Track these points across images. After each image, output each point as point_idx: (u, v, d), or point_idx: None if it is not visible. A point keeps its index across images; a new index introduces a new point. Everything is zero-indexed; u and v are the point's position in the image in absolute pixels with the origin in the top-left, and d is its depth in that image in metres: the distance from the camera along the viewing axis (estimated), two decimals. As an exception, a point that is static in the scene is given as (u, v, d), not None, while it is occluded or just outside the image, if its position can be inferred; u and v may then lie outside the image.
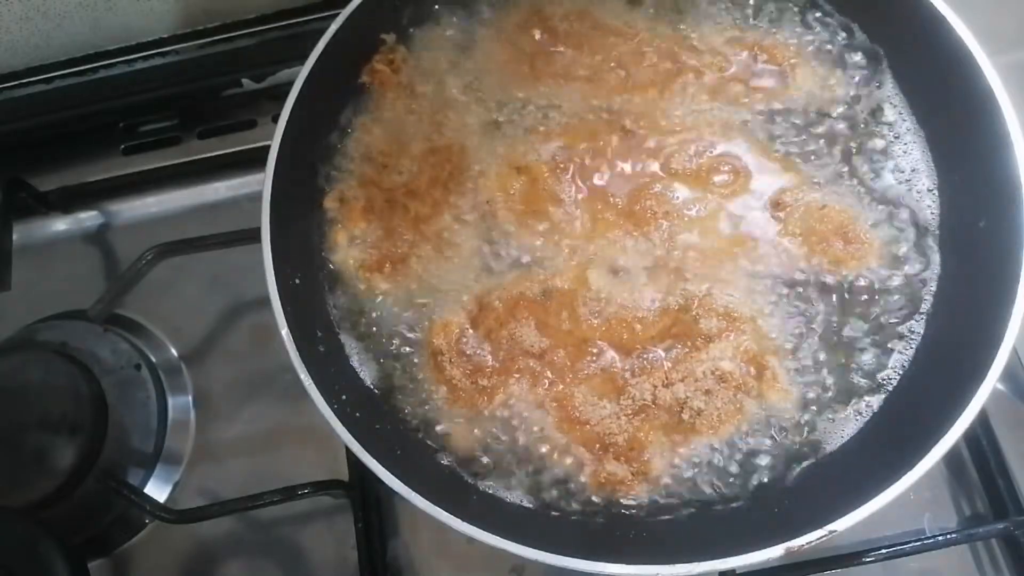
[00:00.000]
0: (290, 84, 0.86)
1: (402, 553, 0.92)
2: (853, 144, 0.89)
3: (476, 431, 0.82)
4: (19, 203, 1.08)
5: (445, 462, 0.81)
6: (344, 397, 0.78)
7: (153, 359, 1.02)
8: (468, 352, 0.83)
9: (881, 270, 0.84)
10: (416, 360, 0.85)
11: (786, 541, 0.67)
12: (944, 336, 0.81)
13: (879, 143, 0.88)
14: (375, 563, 0.89)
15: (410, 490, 0.70)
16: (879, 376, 0.81)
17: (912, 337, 0.82)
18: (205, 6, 1.12)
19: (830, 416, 0.81)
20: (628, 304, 0.83)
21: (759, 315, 0.83)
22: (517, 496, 0.80)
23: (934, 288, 0.83)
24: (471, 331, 0.84)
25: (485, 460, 0.81)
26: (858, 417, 0.81)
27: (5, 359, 0.95)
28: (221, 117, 1.15)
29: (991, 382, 0.70)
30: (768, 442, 0.80)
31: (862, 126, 0.89)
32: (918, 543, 0.84)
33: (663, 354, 0.82)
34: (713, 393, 0.80)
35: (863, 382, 0.81)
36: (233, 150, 1.12)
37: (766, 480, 0.79)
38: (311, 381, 0.75)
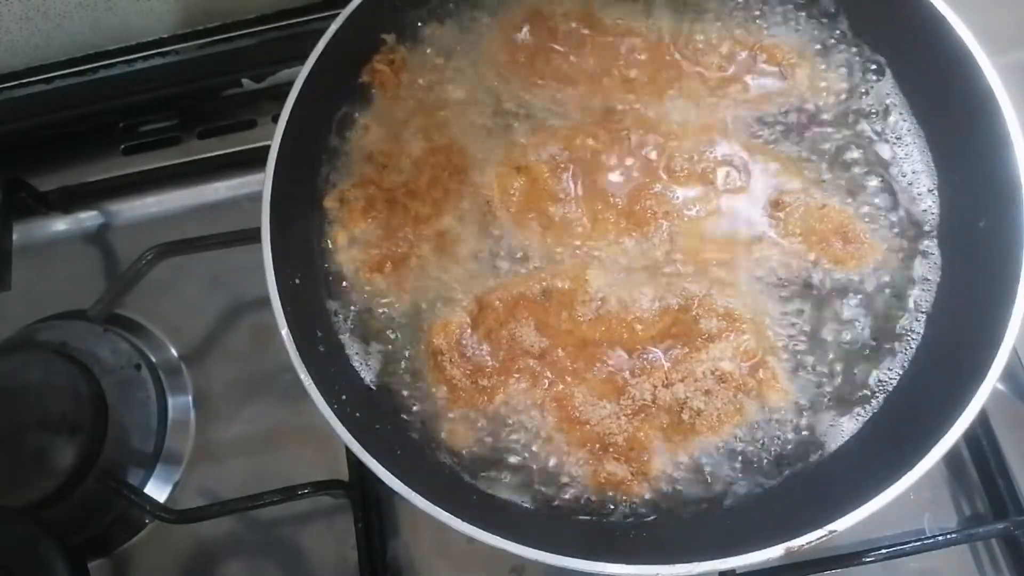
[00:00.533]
0: (290, 84, 0.85)
1: (402, 553, 0.92)
2: (853, 144, 0.89)
3: (476, 431, 0.82)
4: (19, 203, 1.08)
5: (445, 462, 0.82)
6: (344, 397, 0.78)
7: (153, 359, 1.02)
8: (468, 352, 0.83)
9: (881, 270, 0.84)
10: (416, 360, 0.85)
11: (786, 541, 0.67)
12: (944, 336, 0.81)
13: (879, 143, 0.88)
14: (375, 563, 0.89)
15: (410, 490, 0.70)
16: (879, 376, 0.81)
17: (912, 337, 0.82)
18: (205, 6, 1.12)
19: (830, 416, 0.81)
20: (628, 304, 0.83)
21: (759, 315, 0.83)
22: (517, 496, 0.80)
23: (934, 288, 0.83)
24: (471, 331, 0.84)
25: (485, 460, 0.81)
26: (858, 417, 0.81)
27: (5, 359, 0.95)
28: (221, 117, 1.15)
29: (991, 382, 0.70)
30: (768, 442, 0.80)
31: (862, 126, 0.89)
32: (918, 543, 0.84)
33: (663, 354, 0.82)
34: (713, 393, 0.80)
35: (863, 382, 0.81)
36: (233, 150, 1.12)
37: (766, 480, 0.79)
38: (311, 381, 0.75)
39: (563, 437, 0.80)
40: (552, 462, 0.80)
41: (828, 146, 0.89)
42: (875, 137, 0.89)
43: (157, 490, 0.96)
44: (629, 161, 0.89)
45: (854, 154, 0.88)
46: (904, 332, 0.82)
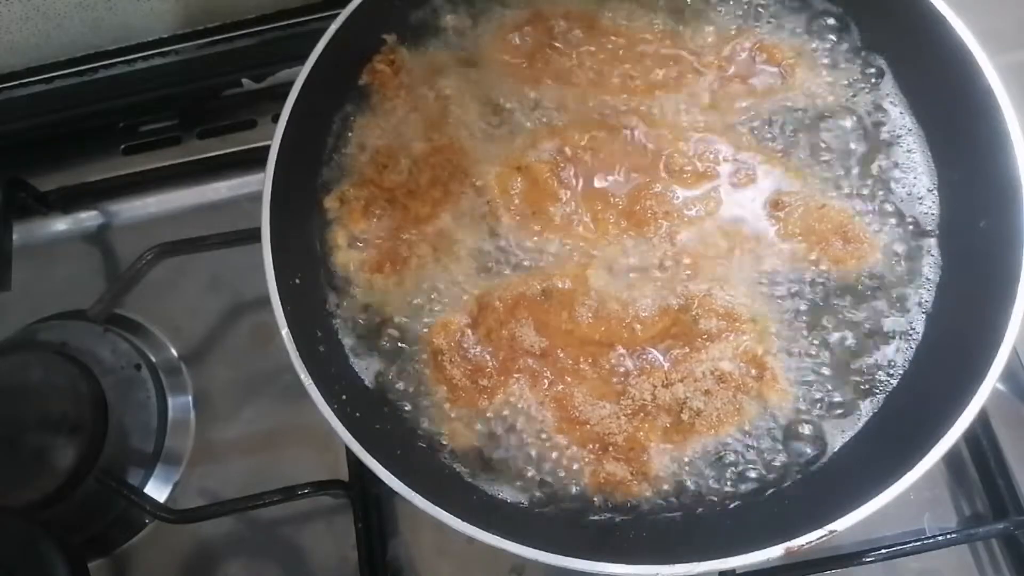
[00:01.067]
0: (290, 84, 0.85)
1: (402, 553, 0.92)
2: (852, 144, 0.89)
3: (476, 431, 0.82)
4: (19, 203, 1.08)
5: (446, 462, 0.81)
6: (344, 397, 0.78)
7: (153, 359, 1.02)
8: (468, 352, 0.83)
9: (881, 270, 0.84)
10: (416, 360, 0.85)
11: (786, 541, 0.67)
12: (944, 336, 0.81)
13: (879, 143, 0.88)
14: (375, 563, 0.89)
15: (410, 490, 0.70)
16: (879, 376, 0.81)
17: (912, 337, 0.82)
18: (205, 6, 1.12)
19: (830, 417, 0.81)
20: (628, 304, 0.83)
21: (759, 315, 0.83)
22: (517, 496, 0.80)
23: (934, 288, 0.83)
24: (471, 331, 0.84)
25: (485, 459, 0.81)
26: (858, 417, 0.81)
27: (5, 359, 0.95)
28: (221, 117, 1.15)
29: (991, 382, 0.70)
30: (768, 442, 0.80)
31: (862, 126, 0.89)
32: (918, 543, 0.84)
33: (662, 354, 0.82)
34: (713, 393, 0.80)
35: (863, 382, 0.81)
36: (233, 150, 1.12)
37: (766, 480, 0.79)
38: (311, 381, 0.75)
39: (563, 437, 0.80)
40: (552, 462, 0.80)
41: (827, 146, 0.89)
42: (875, 137, 0.89)
43: (157, 490, 0.96)
44: (629, 161, 0.89)
45: (854, 154, 0.88)
46: (904, 332, 0.82)
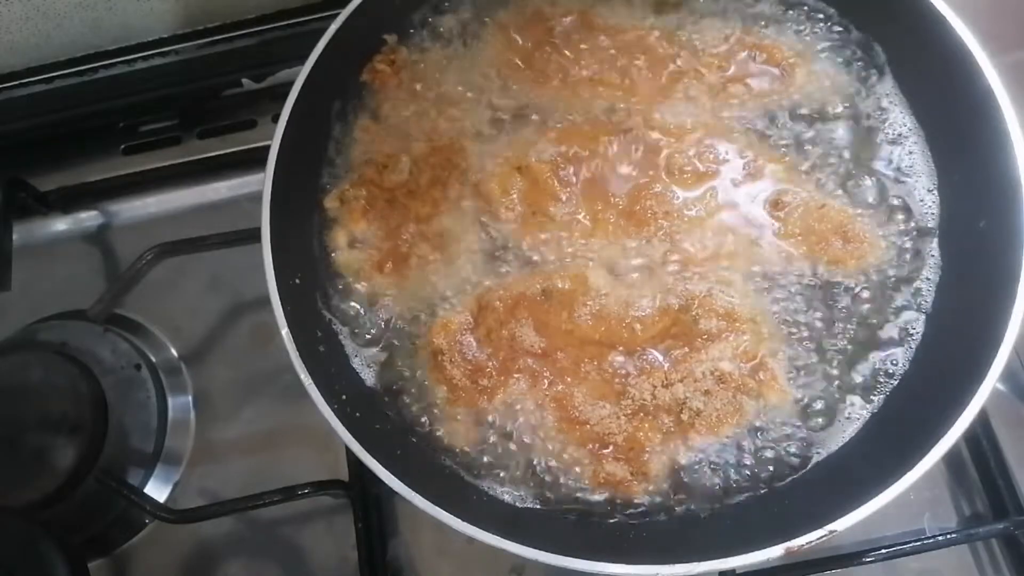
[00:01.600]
0: (290, 84, 0.85)
1: (402, 553, 0.92)
2: (853, 144, 0.89)
3: (476, 430, 0.82)
4: (19, 203, 1.08)
5: (445, 462, 0.81)
6: (344, 397, 0.78)
7: (153, 359, 1.02)
8: (468, 352, 0.83)
9: (881, 270, 0.84)
10: (416, 360, 0.85)
11: (786, 541, 0.67)
12: (944, 336, 0.80)
13: (879, 143, 0.88)
14: (375, 563, 0.89)
15: (410, 490, 0.70)
16: (879, 376, 0.81)
17: (912, 337, 0.82)
18: (205, 6, 1.12)
19: (830, 416, 0.81)
20: (628, 304, 0.83)
21: (759, 315, 0.83)
22: (517, 496, 0.80)
23: (934, 288, 0.83)
24: (472, 331, 0.84)
25: (485, 459, 0.81)
26: (858, 417, 0.81)
27: (5, 359, 0.95)
28: (221, 117, 1.15)
29: (991, 382, 0.70)
30: (768, 442, 0.80)
31: (862, 126, 0.89)
32: (918, 543, 0.84)
33: (662, 354, 0.82)
34: (712, 394, 0.80)
35: (863, 382, 0.81)
36: (233, 150, 1.12)
37: (765, 480, 0.79)
38: (311, 381, 0.75)
39: (563, 437, 0.80)
40: (552, 462, 0.80)
41: (827, 146, 0.89)
42: (875, 137, 0.89)
43: (157, 490, 0.96)
44: (629, 161, 0.89)
45: (853, 154, 0.88)
46: (904, 332, 0.82)
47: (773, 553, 0.67)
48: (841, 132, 0.89)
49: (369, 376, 0.85)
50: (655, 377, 0.81)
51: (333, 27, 0.88)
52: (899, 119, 0.89)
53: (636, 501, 0.79)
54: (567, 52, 0.94)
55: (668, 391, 0.80)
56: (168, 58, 1.14)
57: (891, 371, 0.81)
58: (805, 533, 0.67)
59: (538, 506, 0.79)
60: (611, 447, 0.79)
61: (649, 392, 0.80)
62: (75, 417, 0.92)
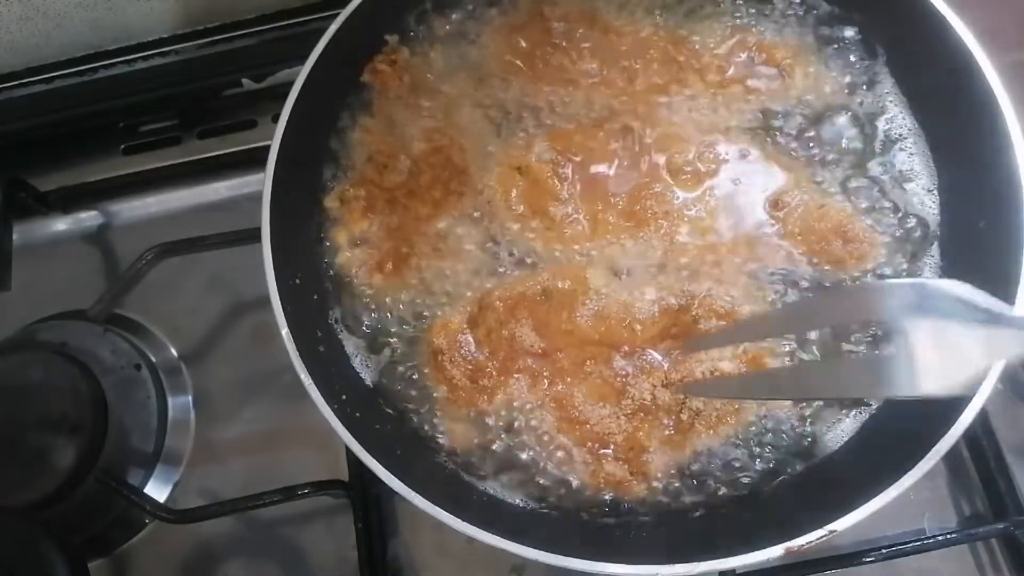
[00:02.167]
0: (290, 84, 0.85)
1: (402, 553, 0.92)
2: (852, 144, 0.89)
3: (476, 431, 0.82)
4: (19, 203, 1.08)
5: (446, 463, 0.82)
6: (344, 397, 0.78)
7: (153, 359, 1.02)
8: (468, 352, 0.83)
9: (880, 271, 0.84)
10: (416, 360, 0.85)
11: (786, 541, 0.67)
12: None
13: (879, 143, 0.88)
14: (375, 563, 0.89)
15: (410, 490, 0.70)
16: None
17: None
18: (205, 6, 1.12)
19: (830, 416, 0.81)
20: (628, 304, 0.83)
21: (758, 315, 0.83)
22: (517, 496, 0.80)
23: (934, 288, 0.83)
24: (471, 331, 0.84)
25: (485, 460, 0.81)
26: (858, 417, 0.81)
27: (5, 359, 0.95)
28: (221, 117, 1.15)
29: (991, 382, 0.70)
30: (768, 442, 0.80)
31: (861, 126, 0.89)
32: (918, 543, 0.84)
33: (662, 355, 0.82)
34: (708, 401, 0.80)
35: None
36: (233, 150, 1.12)
37: (765, 480, 0.79)
38: (311, 381, 0.75)
39: (563, 437, 0.80)
40: (552, 462, 0.80)
41: (827, 146, 0.89)
42: (875, 137, 0.89)
43: (157, 490, 0.96)
44: (629, 161, 0.89)
45: (853, 154, 0.88)
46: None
47: (773, 553, 0.67)
48: (840, 132, 0.89)
49: (369, 376, 0.85)
50: (655, 377, 0.81)
51: (333, 27, 0.88)
52: (899, 119, 0.89)
53: (635, 501, 0.79)
54: (567, 52, 0.94)
55: (668, 391, 0.80)
56: (168, 58, 1.14)
57: (891, 371, 0.81)
58: (805, 533, 0.67)
59: (538, 506, 0.79)
60: (611, 447, 0.79)
61: (649, 392, 0.80)
62: (75, 417, 0.92)
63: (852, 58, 0.92)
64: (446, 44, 0.96)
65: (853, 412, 0.81)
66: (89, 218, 1.12)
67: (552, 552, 0.68)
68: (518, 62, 0.94)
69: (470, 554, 0.91)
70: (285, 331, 0.76)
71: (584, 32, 0.94)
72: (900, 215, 0.86)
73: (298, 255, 0.85)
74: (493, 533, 0.69)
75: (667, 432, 0.80)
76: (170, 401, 1.00)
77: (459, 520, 0.69)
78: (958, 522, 0.90)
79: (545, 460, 0.80)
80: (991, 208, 0.78)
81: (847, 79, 0.91)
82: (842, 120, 0.89)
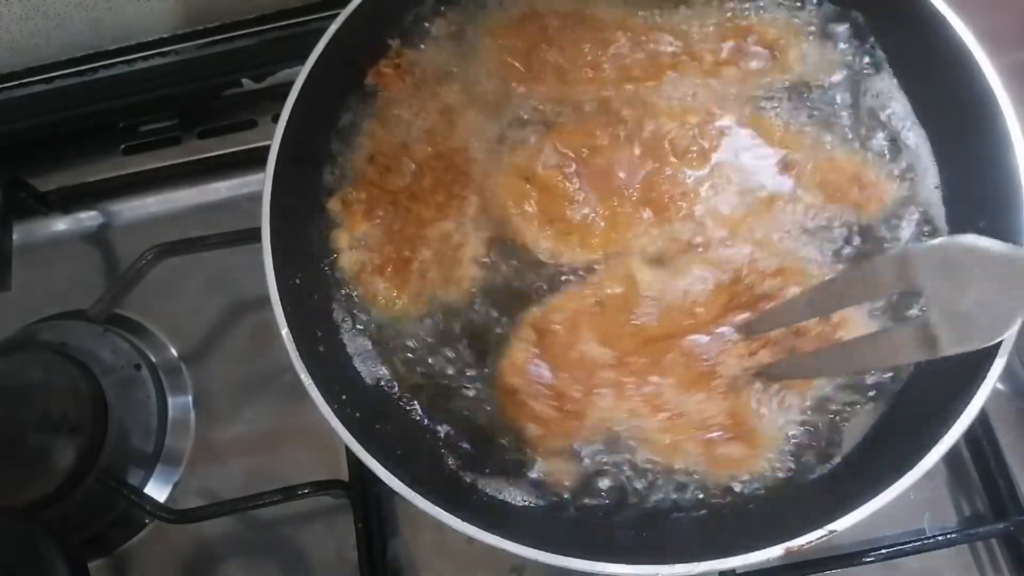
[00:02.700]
0: (290, 84, 0.85)
1: (402, 553, 0.92)
2: (849, 108, 0.89)
3: (575, 459, 0.79)
4: (19, 203, 1.08)
5: (445, 462, 0.81)
6: (344, 397, 0.78)
7: (153, 359, 1.02)
8: (544, 382, 0.81)
9: (900, 211, 0.84)
10: (487, 402, 0.82)
11: (786, 541, 0.67)
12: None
13: (878, 143, 0.88)
14: (375, 563, 0.89)
15: (410, 490, 0.70)
16: (878, 377, 0.81)
17: (912, 337, 0.82)
18: (205, 6, 1.12)
19: (850, 413, 0.80)
20: (681, 291, 0.82)
21: (805, 266, 0.82)
22: (518, 496, 0.79)
23: (934, 288, 0.83)
24: (539, 360, 0.81)
25: (600, 484, 0.79)
26: (874, 412, 0.80)
27: (5, 359, 0.95)
28: (221, 117, 1.15)
29: (991, 382, 0.70)
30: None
31: (856, 97, 0.89)
32: (918, 543, 0.84)
33: (734, 328, 0.81)
34: (797, 350, 0.79)
35: (862, 382, 0.81)
36: (233, 150, 1.12)
37: (769, 479, 0.79)
38: (311, 381, 0.75)
39: (666, 436, 0.78)
40: (666, 464, 0.79)
41: (826, 112, 0.89)
42: (872, 129, 0.88)
43: (157, 490, 0.96)
44: (636, 151, 0.88)
45: (850, 113, 0.89)
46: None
47: (773, 553, 0.67)
48: (837, 98, 0.89)
49: (369, 376, 0.85)
50: (737, 351, 0.80)
51: (333, 27, 0.88)
52: (898, 119, 0.89)
53: (759, 474, 0.78)
54: (562, 49, 0.93)
55: (754, 359, 0.79)
56: (168, 58, 1.14)
57: (891, 371, 0.81)
58: (805, 533, 0.67)
59: (539, 505, 0.79)
60: (718, 430, 0.78)
61: (737, 367, 0.79)
62: (75, 417, 0.92)
63: (851, 58, 0.91)
64: (444, 46, 0.95)
65: (869, 406, 0.80)
66: (89, 218, 1.12)
67: (552, 552, 0.68)
68: (514, 63, 0.93)
69: (470, 554, 0.91)
70: (285, 331, 0.76)
71: (577, 28, 0.93)
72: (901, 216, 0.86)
73: (298, 255, 0.85)
74: (493, 533, 0.69)
75: (767, 398, 0.79)
76: (170, 401, 1.00)
77: (459, 520, 0.69)
78: (958, 522, 0.90)
79: (655, 465, 0.78)
80: (991, 208, 0.78)
81: (839, 56, 0.91)
82: (839, 89, 0.90)
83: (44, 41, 1.11)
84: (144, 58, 1.14)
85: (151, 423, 0.98)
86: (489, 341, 0.84)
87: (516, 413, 0.81)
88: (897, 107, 0.89)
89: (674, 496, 0.78)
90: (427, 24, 0.96)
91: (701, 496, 0.78)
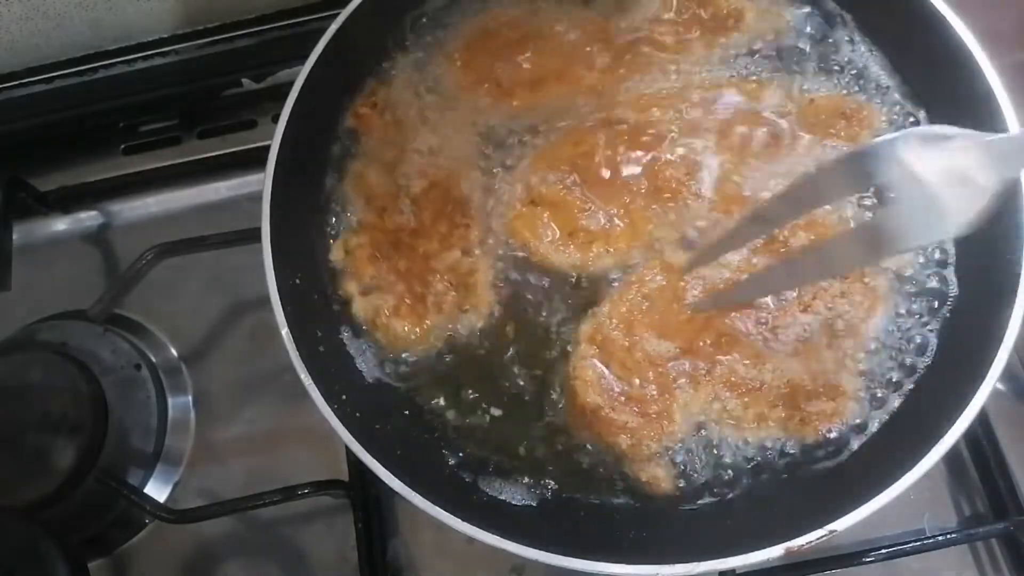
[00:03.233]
0: (290, 84, 0.86)
1: (402, 553, 0.92)
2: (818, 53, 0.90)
3: (673, 463, 0.79)
4: (19, 203, 1.08)
5: (446, 462, 0.81)
6: (344, 397, 0.78)
7: (153, 359, 1.02)
8: (620, 391, 0.80)
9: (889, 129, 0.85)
10: (562, 424, 0.81)
11: (786, 541, 0.67)
12: (944, 336, 0.80)
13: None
14: (375, 563, 0.89)
15: (410, 490, 0.70)
16: (878, 377, 0.81)
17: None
18: (205, 6, 1.13)
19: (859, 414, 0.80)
20: (722, 265, 0.82)
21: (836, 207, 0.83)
22: (517, 496, 0.79)
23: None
24: (608, 371, 0.81)
25: (696, 480, 0.79)
26: (883, 411, 0.80)
27: (5, 359, 0.95)
28: (221, 117, 1.15)
29: (991, 382, 0.70)
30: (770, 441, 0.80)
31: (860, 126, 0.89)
32: (918, 543, 0.84)
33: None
34: (848, 293, 0.80)
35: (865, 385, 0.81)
36: (233, 150, 1.12)
37: (765, 480, 0.79)
38: (311, 381, 0.75)
39: (751, 411, 0.79)
40: (758, 441, 0.79)
41: (794, 62, 0.90)
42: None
43: (157, 490, 0.96)
44: (628, 145, 0.87)
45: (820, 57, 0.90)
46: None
47: (773, 553, 0.67)
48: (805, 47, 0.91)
49: (370, 376, 0.85)
50: (792, 310, 0.80)
51: (333, 27, 0.88)
52: (898, 119, 0.89)
53: (852, 423, 0.78)
54: (526, 61, 0.92)
55: (812, 315, 0.80)
56: (168, 58, 1.14)
57: (891, 371, 0.81)
58: (805, 533, 0.67)
59: (539, 505, 0.79)
60: (799, 392, 0.78)
61: (798, 326, 0.79)
62: (75, 417, 0.92)
63: (852, 55, 0.91)
64: (418, 74, 0.94)
65: (878, 413, 0.80)
66: (89, 218, 1.12)
67: (552, 552, 0.68)
68: (482, 82, 0.92)
69: (470, 554, 0.91)
70: (285, 331, 0.76)
71: (535, 38, 0.93)
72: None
73: (298, 255, 0.85)
74: (493, 533, 0.69)
75: (834, 348, 0.79)
76: (170, 401, 1.00)
77: (459, 520, 0.69)
78: (958, 522, 0.90)
79: (752, 444, 0.79)
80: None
81: (846, 81, 0.90)
82: (802, 40, 0.91)
83: (44, 41, 1.12)
84: (144, 58, 1.14)
85: (151, 423, 0.98)
86: (540, 365, 0.83)
87: (602, 429, 0.79)
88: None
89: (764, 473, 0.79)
90: (419, 29, 0.96)
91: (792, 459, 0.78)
